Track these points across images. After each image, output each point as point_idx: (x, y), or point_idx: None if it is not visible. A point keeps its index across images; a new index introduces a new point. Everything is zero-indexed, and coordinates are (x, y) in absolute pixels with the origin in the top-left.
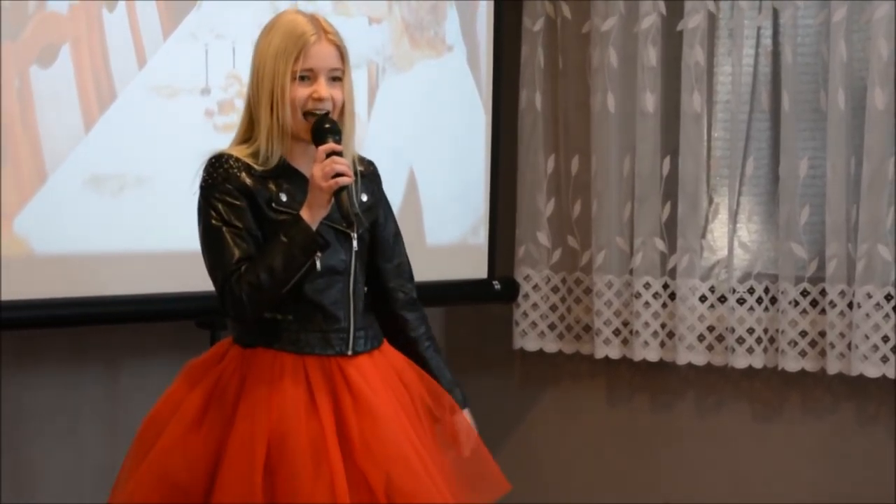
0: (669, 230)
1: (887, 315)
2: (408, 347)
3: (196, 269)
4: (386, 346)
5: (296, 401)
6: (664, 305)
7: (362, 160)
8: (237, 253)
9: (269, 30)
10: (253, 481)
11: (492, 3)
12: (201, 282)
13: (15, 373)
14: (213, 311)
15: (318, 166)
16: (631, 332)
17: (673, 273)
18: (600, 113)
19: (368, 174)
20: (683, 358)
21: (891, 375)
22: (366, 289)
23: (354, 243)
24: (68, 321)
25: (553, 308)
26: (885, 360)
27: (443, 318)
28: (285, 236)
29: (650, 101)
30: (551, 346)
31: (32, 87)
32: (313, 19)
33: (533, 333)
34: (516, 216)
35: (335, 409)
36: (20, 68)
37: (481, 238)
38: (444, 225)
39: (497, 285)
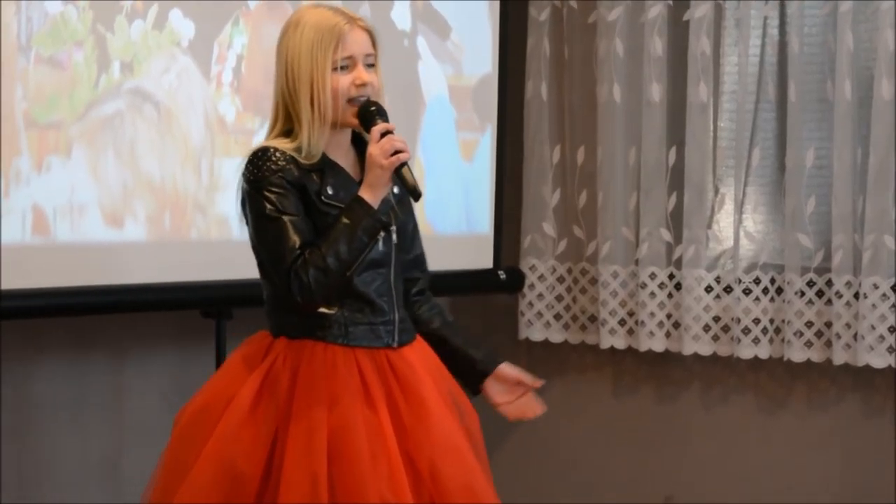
0: (675, 220)
1: (893, 306)
2: (428, 334)
3: (201, 258)
4: (419, 338)
5: (352, 392)
6: (670, 296)
7: None
8: (298, 240)
9: (294, 25)
10: (318, 472)
11: None
12: (206, 271)
13: (19, 363)
14: (218, 300)
15: (376, 146)
16: (636, 322)
17: (678, 263)
18: (606, 103)
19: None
20: (689, 348)
21: None
22: None
23: (394, 236)
24: (72, 310)
25: (559, 298)
26: (890, 350)
27: (448, 307)
28: (347, 218)
29: (656, 91)
30: (557, 336)
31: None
32: (338, 9)
33: (538, 323)
34: (522, 206)
35: (388, 400)
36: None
37: (487, 228)
38: (449, 214)
39: (502, 275)
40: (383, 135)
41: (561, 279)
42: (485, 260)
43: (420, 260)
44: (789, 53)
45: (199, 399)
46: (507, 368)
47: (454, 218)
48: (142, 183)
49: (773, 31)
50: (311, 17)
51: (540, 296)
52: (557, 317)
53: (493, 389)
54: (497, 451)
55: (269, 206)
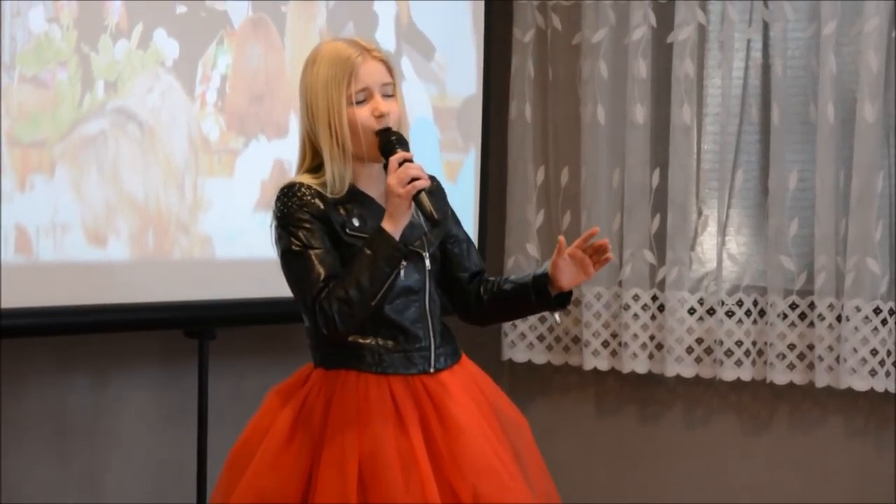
0: (658, 242)
1: (876, 328)
2: (496, 298)
3: (184, 277)
4: (464, 359)
5: (384, 418)
6: (653, 317)
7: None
8: (323, 272)
9: (312, 62)
10: (348, 499)
11: (482, 13)
12: (189, 291)
13: (0, 381)
14: (202, 320)
15: (393, 176)
16: (620, 343)
17: (662, 285)
18: (590, 124)
19: (432, 190)
20: (672, 370)
21: (879, 389)
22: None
23: (427, 262)
24: (55, 330)
25: (542, 319)
26: (873, 373)
27: None
28: (369, 249)
29: (640, 112)
30: (540, 357)
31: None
32: (353, 42)
33: (522, 344)
34: (506, 227)
35: (422, 425)
36: None
37: None
38: None
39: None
40: (401, 164)
41: None
42: None
43: (480, 270)
44: (773, 76)
45: (241, 436)
46: (564, 262)
47: None
48: (125, 202)
49: (757, 54)
50: (325, 52)
51: None
52: (541, 338)
53: (566, 274)
54: None
55: (294, 241)
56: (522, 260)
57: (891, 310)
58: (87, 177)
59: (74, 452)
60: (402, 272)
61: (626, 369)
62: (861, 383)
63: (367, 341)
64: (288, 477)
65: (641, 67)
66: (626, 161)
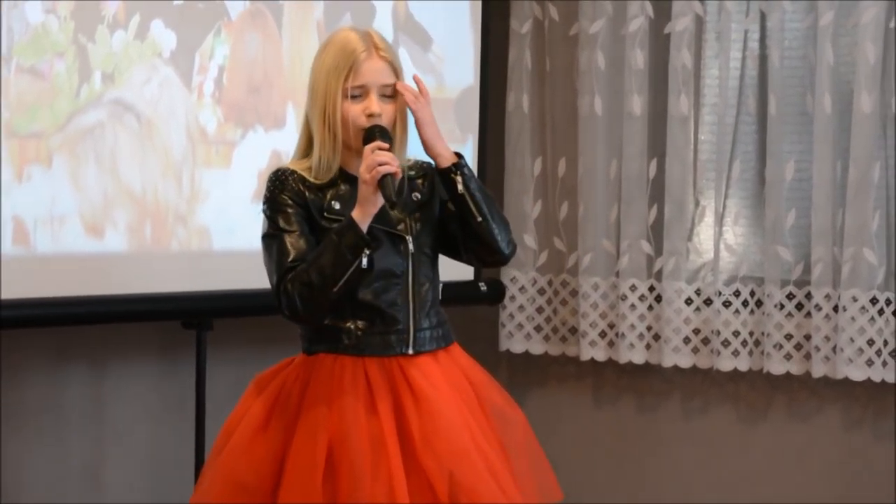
0: (656, 233)
1: (872, 318)
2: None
3: (182, 268)
4: (455, 347)
5: (356, 401)
6: (650, 308)
7: (417, 164)
8: (293, 254)
9: (324, 47)
10: (314, 481)
11: (479, 4)
12: (187, 282)
13: None
14: (199, 311)
15: (363, 162)
16: (617, 334)
17: (659, 275)
18: (587, 115)
19: (420, 174)
20: (669, 360)
21: (875, 379)
22: (441, 284)
23: (410, 246)
24: (53, 321)
25: (539, 310)
26: (869, 363)
27: None
28: (336, 235)
29: (637, 103)
30: (537, 347)
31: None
32: (366, 35)
33: (519, 335)
34: None
35: (395, 408)
36: None
37: None
38: None
39: (483, 287)
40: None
41: (542, 291)
42: (466, 271)
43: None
44: (770, 67)
45: (229, 416)
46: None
47: None
48: (123, 193)
49: (754, 45)
50: (337, 40)
51: (521, 307)
52: (538, 328)
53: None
54: None
55: (271, 224)
56: (519, 251)
57: (887, 300)
58: (84, 168)
59: (73, 443)
60: (365, 260)
61: (623, 360)
62: (858, 373)
63: (346, 324)
64: (261, 460)
65: (639, 58)
66: (624, 152)
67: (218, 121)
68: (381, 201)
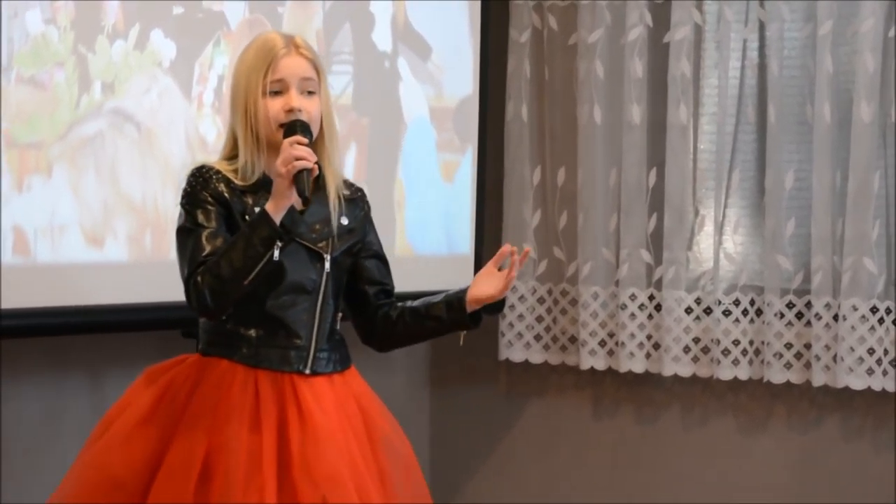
0: (655, 242)
1: (872, 327)
2: (403, 314)
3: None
4: (352, 371)
5: (241, 412)
6: (650, 317)
7: (350, 185)
8: (208, 248)
9: (245, 49)
10: (186, 486)
11: (478, 13)
12: None
13: None
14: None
15: (280, 155)
16: (616, 343)
17: (659, 284)
18: (587, 125)
19: (354, 199)
20: (669, 369)
21: (876, 388)
22: (341, 314)
23: (327, 264)
24: (52, 330)
25: (539, 319)
26: (870, 372)
27: None
28: (248, 227)
29: (636, 112)
30: (537, 357)
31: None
32: (287, 37)
33: (519, 344)
34: (502, 227)
35: (280, 426)
36: None
37: (467, 249)
38: (430, 235)
39: None
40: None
41: (541, 300)
42: (465, 280)
43: (386, 288)
44: (769, 76)
45: (106, 413)
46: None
47: (434, 239)
48: (122, 203)
49: (753, 54)
50: (259, 40)
51: (520, 316)
52: (538, 337)
53: (483, 286)
54: (476, 470)
55: (189, 219)
56: None
57: (888, 309)
58: (84, 178)
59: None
60: (277, 252)
61: (623, 369)
62: (858, 382)
63: (247, 332)
64: (137, 455)
65: (638, 67)
66: (623, 161)
67: (218, 130)
68: (294, 196)
